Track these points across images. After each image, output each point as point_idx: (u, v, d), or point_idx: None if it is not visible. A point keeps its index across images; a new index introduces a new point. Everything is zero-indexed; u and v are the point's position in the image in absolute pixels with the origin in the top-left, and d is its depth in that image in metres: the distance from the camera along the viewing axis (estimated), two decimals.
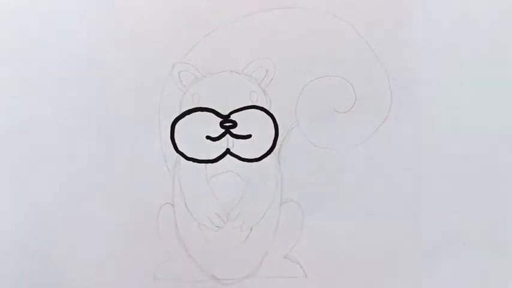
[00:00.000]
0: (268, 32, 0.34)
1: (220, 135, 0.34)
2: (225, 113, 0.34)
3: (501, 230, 0.34)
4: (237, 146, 0.34)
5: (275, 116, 0.34)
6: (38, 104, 0.34)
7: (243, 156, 0.34)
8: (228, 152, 0.34)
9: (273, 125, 0.34)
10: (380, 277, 0.35)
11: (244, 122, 0.34)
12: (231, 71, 0.34)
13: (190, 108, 0.34)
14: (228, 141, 0.34)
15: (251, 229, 0.35)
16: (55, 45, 0.34)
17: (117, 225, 0.34)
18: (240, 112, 0.34)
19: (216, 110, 0.34)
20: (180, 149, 0.34)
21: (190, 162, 0.34)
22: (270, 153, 0.34)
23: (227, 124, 0.34)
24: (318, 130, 0.34)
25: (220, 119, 0.34)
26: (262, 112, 0.34)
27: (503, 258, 0.34)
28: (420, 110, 0.34)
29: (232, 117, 0.34)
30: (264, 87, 0.34)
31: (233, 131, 0.34)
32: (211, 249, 0.35)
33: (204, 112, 0.34)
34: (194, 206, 0.34)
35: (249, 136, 0.34)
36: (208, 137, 0.34)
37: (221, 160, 0.34)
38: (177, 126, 0.34)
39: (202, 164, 0.34)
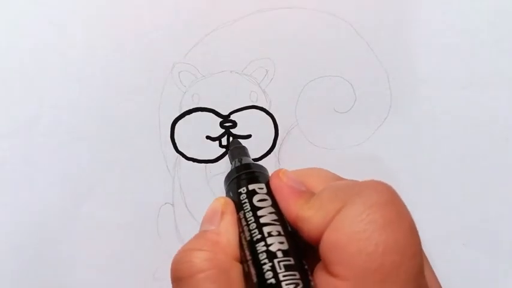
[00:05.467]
0: (268, 32, 0.34)
1: (220, 135, 0.34)
2: (225, 113, 0.34)
3: (501, 230, 0.34)
4: None
5: (275, 116, 0.34)
6: (38, 104, 0.34)
7: None
8: (228, 152, 0.34)
9: (272, 125, 0.34)
10: None
11: (244, 122, 0.34)
12: (231, 71, 0.34)
13: (190, 108, 0.34)
14: (228, 141, 0.34)
15: None
16: (55, 45, 0.34)
17: (117, 225, 0.34)
18: (240, 112, 0.34)
19: (216, 110, 0.34)
20: (180, 149, 0.34)
21: (190, 162, 0.34)
22: (270, 153, 0.34)
23: (227, 124, 0.34)
24: (318, 130, 0.34)
25: (220, 119, 0.34)
26: (262, 112, 0.34)
27: (503, 258, 0.34)
28: (420, 110, 0.34)
29: (232, 117, 0.34)
30: (264, 87, 0.34)
31: (233, 131, 0.34)
32: None
33: (204, 112, 0.34)
34: (194, 206, 0.34)
35: (249, 136, 0.34)
36: (208, 137, 0.34)
37: (221, 160, 0.34)
38: (177, 126, 0.34)
39: (202, 164, 0.34)
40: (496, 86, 0.34)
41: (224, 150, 0.34)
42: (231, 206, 0.24)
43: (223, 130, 0.34)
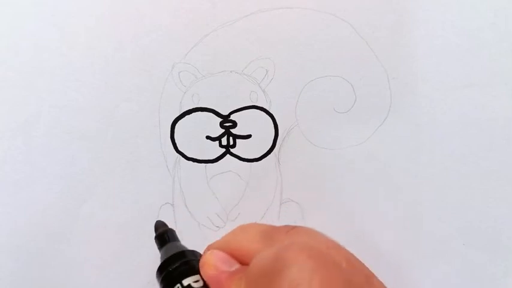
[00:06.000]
0: (268, 32, 0.34)
1: (220, 135, 0.34)
2: (225, 113, 0.34)
3: (501, 230, 0.34)
4: (237, 146, 0.34)
5: (275, 116, 0.34)
6: (38, 104, 0.34)
7: (243, 156, 0.34)
8: (228, 152, 0.34)
9: (272, 125, 0.34)
10: (380, 277, 0.35)
11: (244, 122, 0.34)
12: (231, 71, 0.34)
13: (190, 108, 0.34)
14: (228, 141, 0.34)
15: None
16: (55, 46, 0.34)
17: (117, 225, 0.34)
18: (240, 112, 0.34)
19: (216, 110, 0.34)
20: (180, 149, 0.34)
21: (190, 162, 0.34)
22: (270, 153, 0.34)
23: (227, 124, 0.34)
24: (318, 130, 0.34)
25: (220, 119, 0.34)
26: (262, 112, 0.34)
27: (503, 258, 0.34)
28: (420, 110, 0.34)
29: (232, 117, 0.34)
30: (264, 87, 0.34)
31: (233, 131, 0.34)
32: None
33: (204, 112, 0.34)
34: (194, 206, 0.34)
35: (249, 136, 0.34)
36: (208, 137, 0.34)
37: (221, 160, 0.34)
38: (177, 126, 0.34)
39: (202, 164, 0.34)
40: (496, 86, 0.34)
41: (224, 150, 0.34)
42: None
43: (223, 130, 0.34)
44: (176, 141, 0.34)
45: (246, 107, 0.34)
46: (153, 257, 0.35)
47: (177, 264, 0.24)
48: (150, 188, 0.34)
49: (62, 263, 0.35)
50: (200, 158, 0.34)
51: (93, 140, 0.34)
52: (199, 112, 0.34)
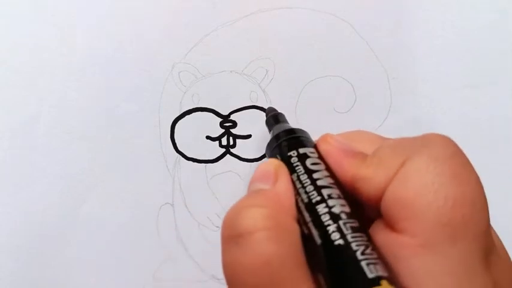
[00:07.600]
0: (268, 32, 0.34)
1: (220, 135, 0.34)
2: (225, 113, 0.34)
3: (501, 229, 0.34)
4: (237, 146, 0.34)
5: None
6: (38, 104, 0.34)
7: (243, 156, 0.34)
8: (228, 152, 0.34)
9: None
10: None
11: (244, 122, 0.34)
12: (231, 71, 0.34)
13: (190, 108, 0.34)
14: (228, 141, 0.34)
15: None
16: (55, 45, 0.34)
17: (117, 225, 0.34)
18: (240, 112, 0.34)
19: (216, 110, 0.34)
20: (180, 149, 0.34)
21: (190, 162, 0.34)
22: None
23: (227, 124, 0.34)
24: (318, 130, 0.34)
25: (220, 119, 0.34)
26: (262, 112, 0.34)
27: None
28: (420, 110, 0.34)
29: (232, 117, 0.34)
30: (264, 87, 0.34)
31: (233, 131, 0.34)
32: (211, 249, 0.35)
33: (204, 112, 0.34)
34: (194, 206, 0.34)
35: (249, 136, 0.34)
36: (208, 137, 0.34)
37: (221, 160, 0.34)
38: (177, 126, 0.34)
39: (202, 164, 0.34)
40: (496, 86, 0.34)
41: (224, 150, 0.34)
42: (283, 167, 0.22)
43: (223, 130, 0.34)
44: (176, 141, 0.34)
45: (246, 107, 0.34)
46: (153, 257, 0.35)
47: (292, 136, 0.24)
48: (150, 188, 0.34)
49: (62, 263, 0.34)
50: (200, 158, 0.34)
51: (93, 140, 0.34)
52: (199, 112, 0.34)
